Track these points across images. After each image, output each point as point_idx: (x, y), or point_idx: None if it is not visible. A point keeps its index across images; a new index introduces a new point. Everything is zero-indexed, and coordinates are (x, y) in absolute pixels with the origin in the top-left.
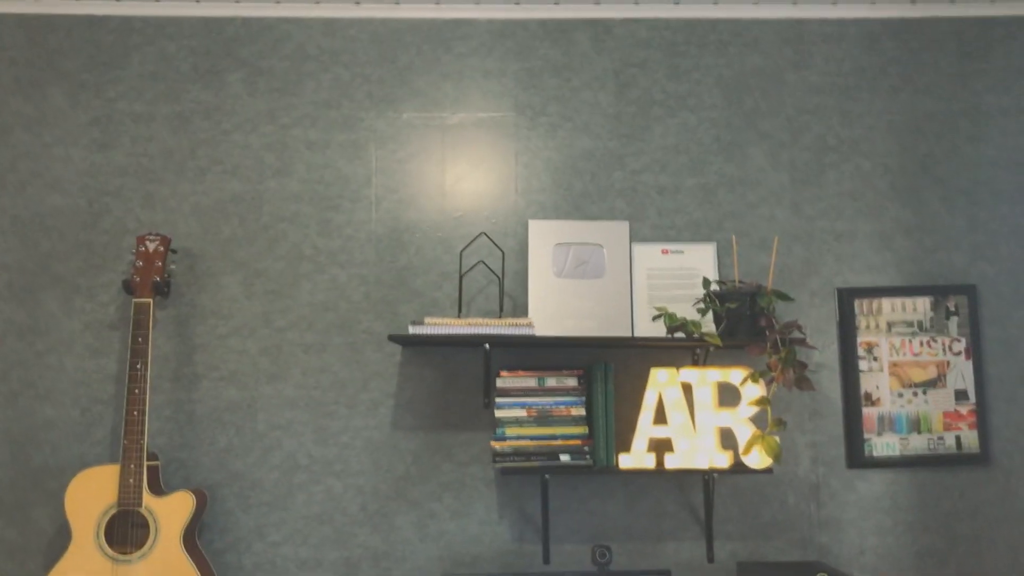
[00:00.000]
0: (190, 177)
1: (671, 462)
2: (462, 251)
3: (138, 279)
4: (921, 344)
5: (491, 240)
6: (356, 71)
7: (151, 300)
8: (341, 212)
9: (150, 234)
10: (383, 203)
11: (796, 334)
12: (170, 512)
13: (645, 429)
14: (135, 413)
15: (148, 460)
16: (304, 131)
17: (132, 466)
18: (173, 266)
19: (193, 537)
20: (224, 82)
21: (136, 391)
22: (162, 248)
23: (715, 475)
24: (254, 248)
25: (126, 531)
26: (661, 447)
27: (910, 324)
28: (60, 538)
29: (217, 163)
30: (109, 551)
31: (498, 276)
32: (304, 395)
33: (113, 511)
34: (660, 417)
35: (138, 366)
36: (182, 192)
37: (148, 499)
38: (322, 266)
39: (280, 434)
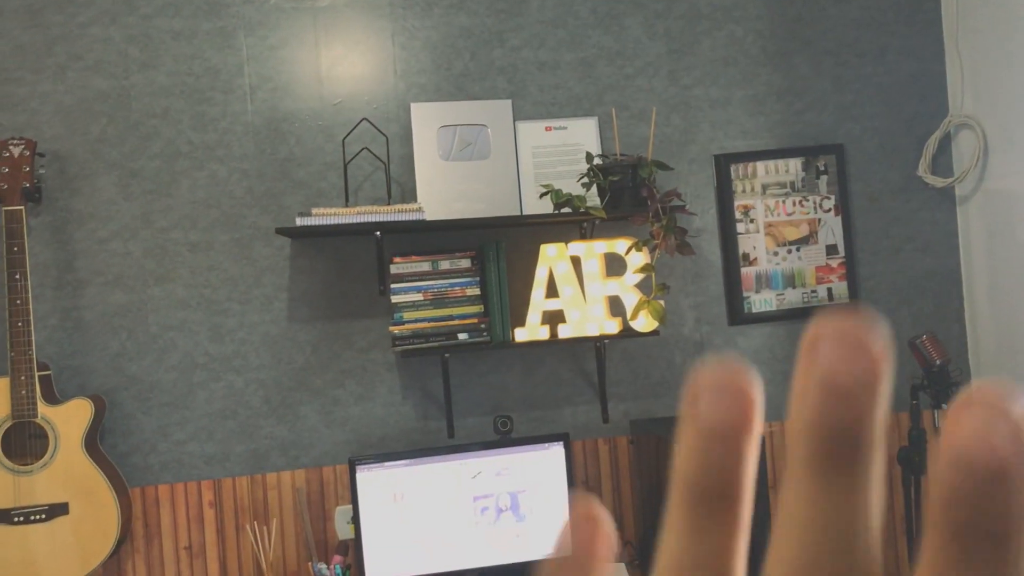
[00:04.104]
0: (49, 76)
1: (564, 332)
2: (344, 138)
3: (6, 186)
4: (794, 204)
5: (373, 126)
6: None
7: (23, 207)
8: (215, 104)
9: (13, 138)
10: (258, 93)
11: (676, 202)
12: (68, 419)
13: (538, 303)
14: (19, 324)
15: (39, 370)
16: (168, 20)
17: (23, 377)
18: (42, 171)
19: (95, 442)
20: None
21: (18, 302)
22: (28, 152)
23: (606, 341)
24: (126, 147)
25: (24, 443)
26: (554, 319)
27: (783, 185)
28: None
29: (77, 59)
30: (8, 464)
31: (384, 162)
32: (195, 294)
33: (8, 424)
34: (552, 291)
35: (17, 276)
36: (43, 92)
37: (44, 409)
38: (200, 162)
39: (174, 334)
